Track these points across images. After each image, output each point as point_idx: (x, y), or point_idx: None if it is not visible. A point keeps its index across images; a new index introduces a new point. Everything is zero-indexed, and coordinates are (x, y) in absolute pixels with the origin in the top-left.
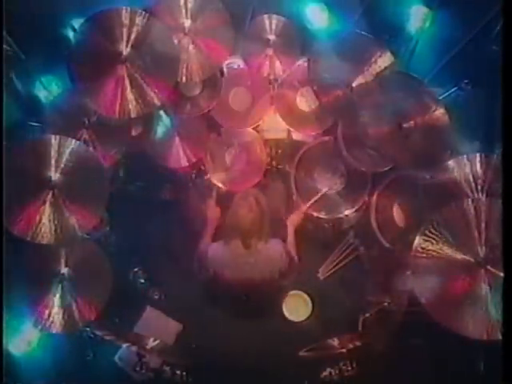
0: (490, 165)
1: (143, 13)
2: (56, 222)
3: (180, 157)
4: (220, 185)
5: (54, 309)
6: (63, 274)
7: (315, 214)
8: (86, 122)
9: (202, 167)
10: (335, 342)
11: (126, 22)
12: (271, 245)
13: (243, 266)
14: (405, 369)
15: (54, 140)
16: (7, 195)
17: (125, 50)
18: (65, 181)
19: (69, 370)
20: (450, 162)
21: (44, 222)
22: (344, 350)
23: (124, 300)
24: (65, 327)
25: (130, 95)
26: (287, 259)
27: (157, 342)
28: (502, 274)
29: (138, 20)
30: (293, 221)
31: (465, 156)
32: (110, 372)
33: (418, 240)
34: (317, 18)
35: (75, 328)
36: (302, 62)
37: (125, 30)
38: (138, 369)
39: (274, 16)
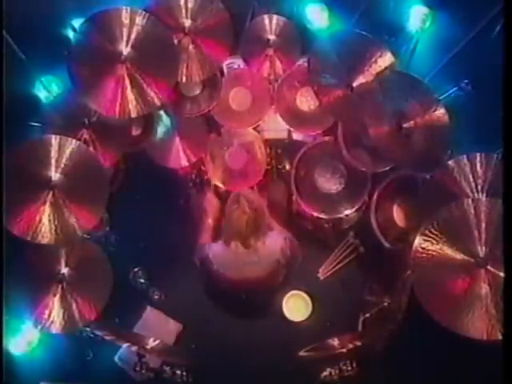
0: (490, 165)
1: (143, 13)
2: (56, 222)
3: (180, 157)
4: (220, 185)
5: (54, 309)
6: (63, 274)
7: (315, 214)
8: (86, 122)
9: (202, 167)
10: (335, 342)
11: (126, 21)
12: (271, 238)
13: (247, 266)
14: (405, 369)
15: (54, 140)
16: (7, 195)
17: (125, 49)
18: (65, 181)
19: (69, 370)
20: (450, 162)
21: (44, 222)
22: (344, 350)
23: (124, 300)
24: (65, 327)
25: (130, 95)
26: (289, 249)
27: (157, 342)
28: (502, 274)
29: (138, 20)
30: None
31: (465, 156)
32: (110, 372)
33: (418, 240)
34: (317, 17)
35: (75, 328)
36: (301, 62)
37: (125, 30)
38: (137, 369)
39: (274, 16)
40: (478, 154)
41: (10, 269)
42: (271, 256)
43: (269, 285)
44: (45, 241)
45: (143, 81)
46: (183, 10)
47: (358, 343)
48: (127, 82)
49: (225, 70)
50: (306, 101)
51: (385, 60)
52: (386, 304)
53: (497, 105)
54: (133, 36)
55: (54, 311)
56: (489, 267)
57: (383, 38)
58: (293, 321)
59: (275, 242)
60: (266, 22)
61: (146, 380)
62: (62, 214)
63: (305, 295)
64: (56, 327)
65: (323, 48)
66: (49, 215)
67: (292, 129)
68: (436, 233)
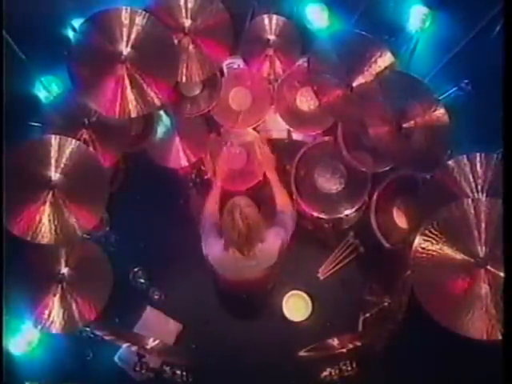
0: (490, 165)
1: (143, 13)
2: (56, 222)
3: (180, 157)
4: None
5: (54, 309)
6: (63, 274)
7: (315, 214)
8: (86, 122)
9: (202, 167)
10: (335, 342)
11: (126, 22)
12: (269, 240)
13: (245, 269)
14: (405, 369)
15: (54, 140)
16: (7, 195)
17: (125, 49)
18: (65, 181)
19: (69, 370)
20: (450, 162)
21: (44, 222)
22: (344, 350)
23: (124, 300)
24: (65, 327)
25: (130, 95)
26: (284, 248)
27: (157, 341)
28: (502, 274)
29: (138, 20)
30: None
31: (465, 156)
32: (110, 372)
33: (418, 240)
34: (317, 17)
35: (75, 328)
36: (301, 62)
37: (125, 30)
38: (137, 369)
39: (274, 16)
40: (478, 154)
41: (9, 269)
42: (269, 260)
43: (267, 285)
44: (45, 241)
45: (143, 81)
46: (183, 10)
47: (358, 343)
48: (127, 82)
49: (225, 70)
50: (305, 101)
51: (385, 60)
52: (386, 304)
53: (497, 105)
54: (133, 36)
55: (54, 311)
56: (489, 267)
57: (383, 37)
58: (293, 321)
59: (273, 246)
60: (266, 22)
61: (145, 380)
62: (62, 214)
63: (305, 295)
64: (56, 327)
65: (323, 48)
66: (49, 215)
67: (292, 129)
68: (436, 233)
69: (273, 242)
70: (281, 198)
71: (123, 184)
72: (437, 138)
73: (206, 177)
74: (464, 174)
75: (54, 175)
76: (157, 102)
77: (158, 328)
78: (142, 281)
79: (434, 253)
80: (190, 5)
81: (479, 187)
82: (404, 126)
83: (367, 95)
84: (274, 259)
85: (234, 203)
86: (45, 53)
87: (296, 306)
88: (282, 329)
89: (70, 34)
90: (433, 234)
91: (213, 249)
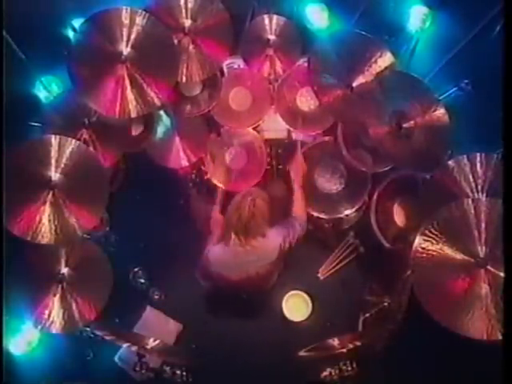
0: (490, 165)
1: (143, 13)
2: (56, 222)
3: (180, 157)
4: (220, 185)
5: (54, 309)
6: (63, 274)
7: (315, 214)
8: (86, 122)
9: (202, 167)
10: (335, 342)
11: (126, 21)
12: (270, 237)
13: (245, 265)
14: (405, 369)
15: (54, 140)
16: (7, 195)
17: (125, 49)
18: (65, 181)
19: (69, 370)
20: (450, 162)
21: (44, 222)
22: (344, 350)
23: (124, 300)
24: (65, 327)
25: (130, 95)
26: (285, 247)
27: (157, 342)
28: (502, 274)
29: (138, 20)
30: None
31: (465, 156)
32: (110, 372)
33: (418, 240)
34: (317, 17)
35: (75, 328)
36: (301, 62)
37: (125, 30)
38: (137, 369)
39: (274, 16)
40: (478, 154)
41: (10, 269)
42: (269, 256)
43: (266, 283)
44: (45, 241)
45: (143, 81)
46: (183, 10)
47: (358, 343)
48: (127, 82)
49: (225, 70)
50: (305, 101)
51: (385, 60)
52: (386, 304)
53: (497, 105)
54: (133, 36)
55: (54, 311)
56: (489, 267)
57: (383, 38)
58: (293, 321)
59: (273, 243)
60: (266, 22)
61: (146, 380)
62: (62, 214)
63: (305, 295)
64: (56, 327)
65: (323, 48)
66: (49, 215)
67: (292, 129)
68: (436, 233)
69: (273, 238)
70: (299, 208)
71: (123, 184)
72: (437, 137)
73: (206, 177)
74: (464, 174)
75: (54, 175)
76: (157, 101)
77: (158, 328)
78: (142, 281)
79: (434, 253)
80: (190, 5)
81: (479, 187)
82: (404, 125)
83: (367, 95)
84: (273, 256)
85: (252, 191)
86: (45, 53)
87: (296, 306)
88: (282, 329)
89: (70, 34)
90: (433, 233)
91: (213, 248)
